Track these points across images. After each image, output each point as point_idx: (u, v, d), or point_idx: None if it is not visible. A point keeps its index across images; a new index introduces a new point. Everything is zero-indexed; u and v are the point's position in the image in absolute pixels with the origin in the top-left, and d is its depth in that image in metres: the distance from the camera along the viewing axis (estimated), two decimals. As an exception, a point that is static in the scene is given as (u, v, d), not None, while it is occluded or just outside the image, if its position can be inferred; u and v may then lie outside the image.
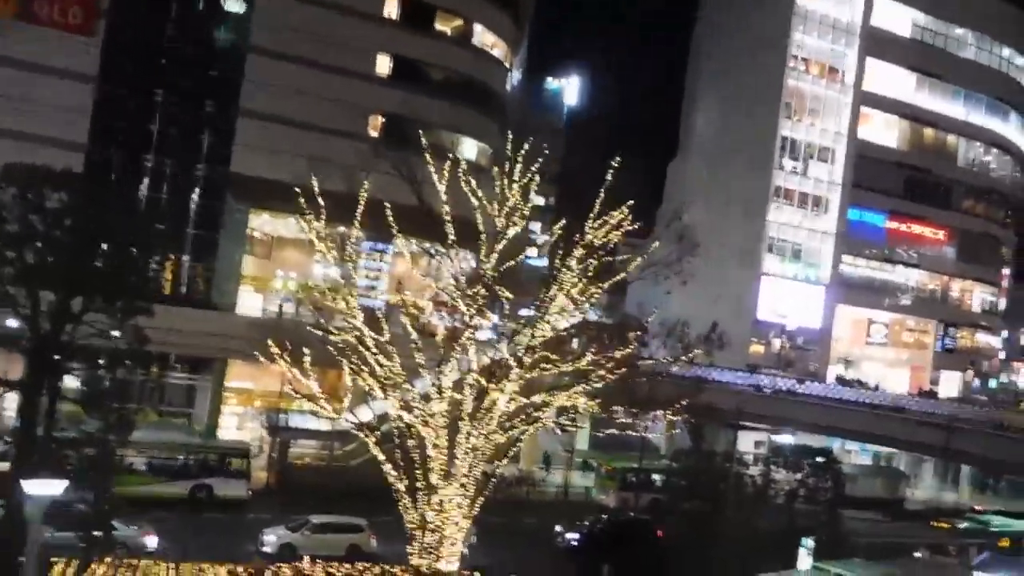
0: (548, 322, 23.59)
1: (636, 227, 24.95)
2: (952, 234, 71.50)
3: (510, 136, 24.77)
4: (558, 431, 38.43)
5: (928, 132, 70.45)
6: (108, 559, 24.05)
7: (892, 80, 67.64)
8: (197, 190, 45.69)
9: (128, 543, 27.10)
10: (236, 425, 46.72)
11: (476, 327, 23.51)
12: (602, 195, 23.99)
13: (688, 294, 61.33)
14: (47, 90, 41.32)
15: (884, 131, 68.46)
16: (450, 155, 24.40)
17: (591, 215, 23.99)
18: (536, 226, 50.07)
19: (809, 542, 31.22)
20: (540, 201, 70.88)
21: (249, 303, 47.41)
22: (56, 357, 20.46)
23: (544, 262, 31.77)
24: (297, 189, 23.80)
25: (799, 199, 65.27)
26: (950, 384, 70.87)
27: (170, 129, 44.97)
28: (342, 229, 24.29)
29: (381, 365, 22.89)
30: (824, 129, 65.99)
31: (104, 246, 22.83)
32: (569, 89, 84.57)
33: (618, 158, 24.51)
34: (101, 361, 22.36)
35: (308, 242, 37.19)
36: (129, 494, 33.37)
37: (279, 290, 47.90)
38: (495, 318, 25.54)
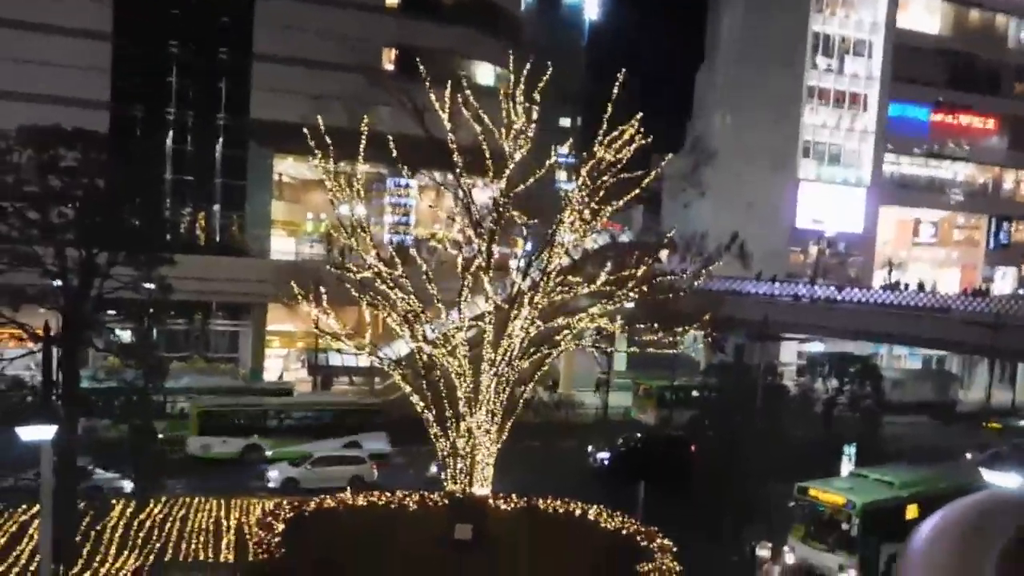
0: (562, 244, 23.44)
1: (648, 141, 24.43)
2: (1003, 122, 68.57)
3: (511, 57, 24.32)
4: (595, 353, 38.80)
5: (974, 14, 67.05)
6: (164, 498, 25.29)
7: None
8: (220, 139, 45.99)
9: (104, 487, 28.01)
10: (281, 367, 47.95)
11: (491, 255, 23.51)
12: (610, 110, 23.50)
13: (723, 206, 60.87)
14: (65, 51, 41.64)
15: (925, 17, 65.36)
16: (455, 81, 24.05)
17: (600, 132, 23.58)
18: (564, 149, 49.49)
19: (851, 449, 31.16)
20: (566, 123, 70.26)
21: (282, 247, 48.11)
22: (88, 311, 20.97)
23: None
24: (305, 129, 23.92)
25: (835, 98, 63.14)
26: (1006, 281, 69.02)
27: (187, 80, 45.13)
28: (351, 166, 24.29)
29: (400, 300, 23.17)
30: (859, 20, 63.26)
31: (122, 200, 23.02)
32: (589, 3, 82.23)
33: (623, 72, 23.87)
34: (128, 313, 22.87)
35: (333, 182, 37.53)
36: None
37: (310, 232, 48.45)
38: (528, 245, 25.46)
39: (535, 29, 61.93)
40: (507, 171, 23.37)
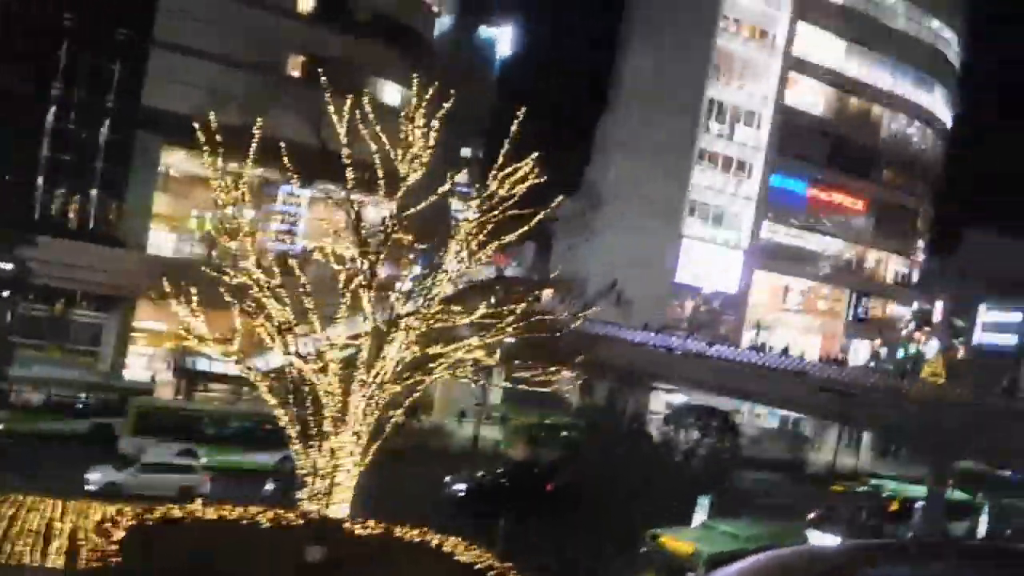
0: (446, 272, 23.53)
1: (542, 180, 24.89)
2: (870, 204, 73.46)
3: (416, 78, 24.44)
4: (472, 384, 38.90)
5: (854, 101, 71.81)
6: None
7: (821, 46, 68.51)
8: (106, 122, 44.05)
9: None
10: (145, 366, 45.84)
11: (374, 274, 23.33)
12: (507, 146, 23.89)
13: (611, 252, 62.48)
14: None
15: (810, 97, 69.56)
16: (357, 95, 23.91)
17: (495, 166, 23.92)
18: (463, 178, 49.75)
19: (705, 500, 32.22)
20: (467, 152, 70.82)
21: (162, 242, 46.29)
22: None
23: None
24: (196, 123, 23.24)
25: (723, 162, 66.18)
26: (860, 352, 73.43)
27: (79, 56, 43.10)
28: (241, 168, 23.70)
29: (275, 310, 22.65)
30: (751, 93, 66.75)
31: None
32: (503, 38, 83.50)
33: (523, 109, 24.35)
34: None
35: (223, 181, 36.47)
36: (26, 431, 32.84)
37: (193, 230, 46.82)
38: (416, 268, 25.37)
39: (447, 56, 62.31)
40: (399, 192, 23.38)
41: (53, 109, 42.96)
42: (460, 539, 26.57)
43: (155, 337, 46.25)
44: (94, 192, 44.46)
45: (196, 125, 23.70)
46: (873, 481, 48.38)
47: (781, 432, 60.52)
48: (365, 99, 24.02)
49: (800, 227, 70.61)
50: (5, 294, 32.25)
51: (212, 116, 23.17)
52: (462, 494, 32.55)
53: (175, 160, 45.79)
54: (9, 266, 22.71)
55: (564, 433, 44.43)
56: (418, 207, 23.93)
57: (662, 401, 54.83)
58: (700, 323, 60.08)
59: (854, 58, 70.54)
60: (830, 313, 73.90)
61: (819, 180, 70.01)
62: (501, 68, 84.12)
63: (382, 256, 23.63)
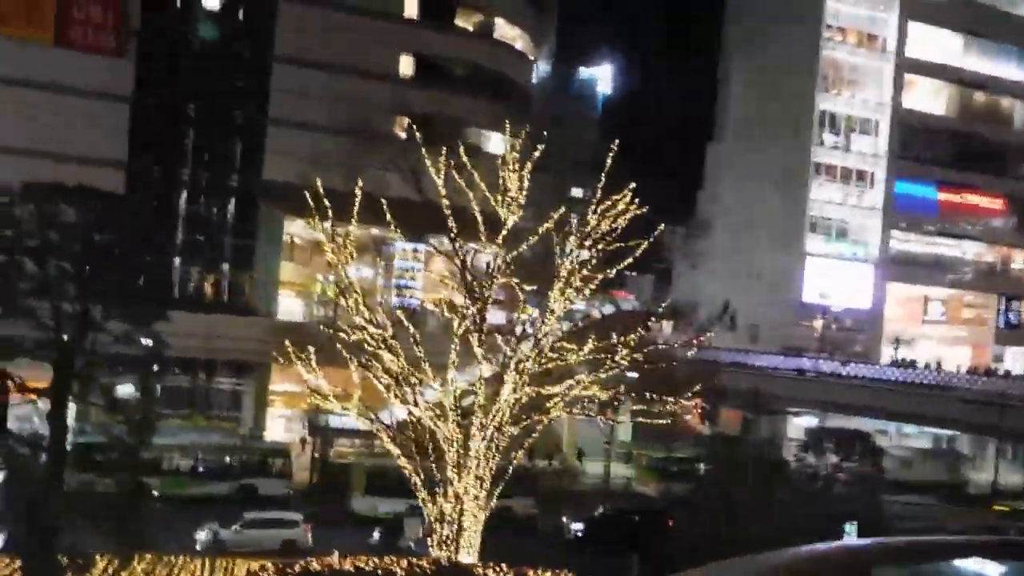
0: (552, 311, 23.61)
1: (643, 210, 24.73)
2: (1010, 202, 68.80)
3: (510, 126, 24.93)
4: (599, 422, 38.62)
5: (978, 96, 67.93)
6: (148, 555, 25.11)
7: (937, 44, 65.38)
8: (232, 199, 46.91)
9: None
10: (284, 427, 47.86)
11: (483, 319, 23.69)
12: (604, 180, 23.95)
13: (731, 278, 61.01)
14: (86, 110, 42.95)
15: (931, 98, 66.31)
16: (465, 150, 24.56)
17: (585, 200, 24.02)
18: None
19: (851, 527, 30.61)
20: (578, 193, 71.11)
21: (291, 308, 48.53)
22: (78, 364, 21.21)
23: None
24: (307, 192, 24.49)
25: (842, 174, 63.72)
26: (1016, 361, 68.28)
27: (204, 141, 46.28)
28: (360, 230, 24.70)
29: (391, 362, 23.31)
30: (865, 100, 64.25)
31: (121, 256, 23.41)
32: (602, 77, 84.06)
33: (620, 143, 24.40)
34: (124, 368, 23.09)
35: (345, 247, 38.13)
36: (178, 494, 34.88)
37: (318, 294, 48.89)
38: (534, 312, 25.57)
39: (548, 100, 63.25)
40: (500, 236, 23.76)
41: (184, 192, 46.12)
42: (593, 580, 26.32)
43: (291, 398, 48.34)
44: (226, 266, 47.24)
45: (306, 193, 25.07)
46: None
47: (934, 452, 56.75)
48: (464, 150, 24.89)
49: (934, 233, 66.85)
50: (155, 368, 34.47)
51: (318, 182, 24.44)
52: (580, 533, 32.24)
53: (297, 228, 48.11)
54: (149, 342, 24.34)
55: (698, 465, 43.29)
56: (518, 250, 24.25)
57: (799, 426, 52.62)
58: (832, 342, 57.57)
59: (973, 51, 66.89)
60: (976, 321, 69.23)
61: (949, 183, 66.24)
62: (604, 106, 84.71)
63: (489, 300, 24.02)
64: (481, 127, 47.38)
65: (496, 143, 49.97)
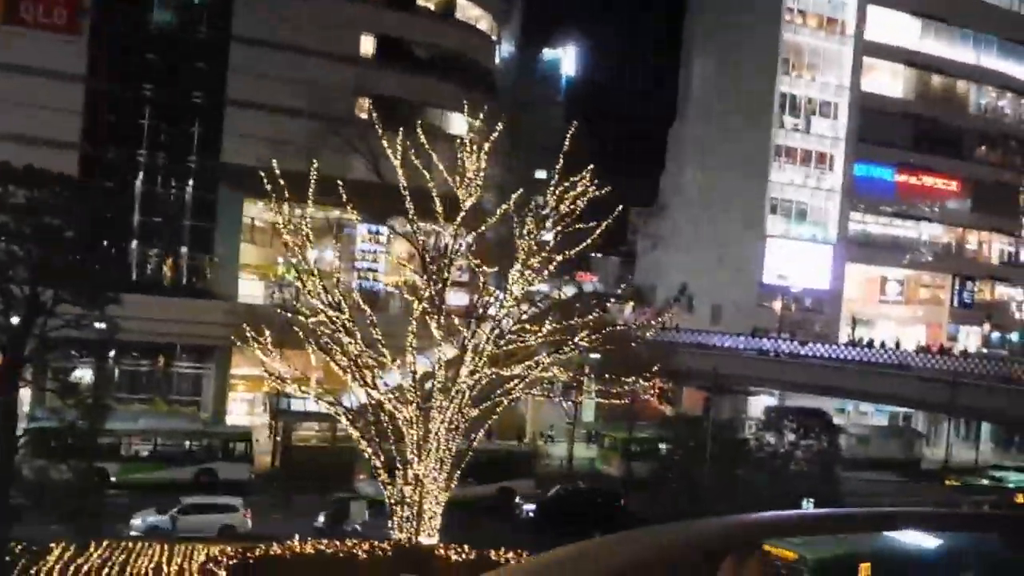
0: (511, 292, 23.66)
1: (601, 192, 24.80)
2: (965, 184, 70.03)
3: (472, 107, 24.85)
4: (562, 403, 38.82)
5: (936, 79, 68.87)
6: (105, 541, 24.84)
7: (896, 27, 66.07)
8: (190, 182, 46.21)
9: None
10: (246, 411, 47.52)
11: (441, 301, 23.67)
12: (562, 161, 24.01)
13: (693, 260, 61.52)
14: (38, 91, 41.92)
15: (889, 81, 67.06)
16: (425, 131, 24.42)
17: (546, 182, 24.09)
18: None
19: (807, 504, 31.15)
20: (542, 174, 71.10)
21: (252, 291, 48.01)
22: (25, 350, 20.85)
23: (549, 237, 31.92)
24: (263, 173, 24.25)
25: (802, 157, 64.32)
26: (969, 340, 69.77)
27: (160, 123, 45.47)
28: (319, 212, 24.53)
29: (349, 345, 23.23)
30: (825, 83, 64.83)
31: (74, 239, 22.96)
32: (567, 59, 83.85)
33: (581, 126, 24.49)
34: (78, 352, 22.73)
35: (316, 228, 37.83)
36: (137, 480, 34.54)
37: (279, 277, 48.38)
38: (496, 294, 25.56)
39: (511, 82, 63.00)
40: (459, 218, 23.73)
41: (141, 174, 45.32)
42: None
43: (253, 382, 47.96)
44: (184, 249, 46.60)
45: (262, 175, 24.80)
46: (996, 474, 45.80)
47: (891, 429, 57.94)
48: (426, 132, 24.76)
49: (891, 215, 67.89)
50: (109, 352, 34.01)
51: (275, 165, 24.21)
52: (532, 514, 32.49)
53: (257, 211, 47.56)
54: (102, 325, 23.99)
55: (661, 446, 43.75)
56: (477, 231, 24.24)
57: (759, 406, 53.37)
58: (792, 323, 58.38)
59: (931, 35, 67.76)
60: (933, 301, 70.57)
61: (907, 165, 67.20)
62: (568, 89, 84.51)
63: (447, 282, 23.99)
64: (443, 109, 47.08)
65: (459, 125, 49.79)
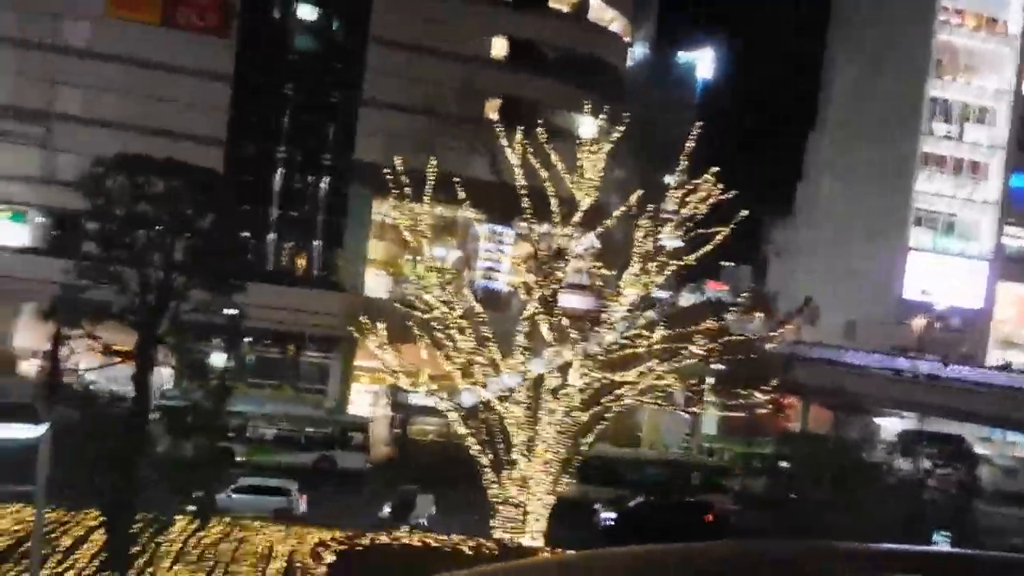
0: (624, 296, 23.21)
1: (727, 196, 23.98)
2: None
3: (596, 109, 24.55)
4: (683, 413, 37.90)
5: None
6: (227, 519, 25.97)
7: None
8: (325, 178, 47.94)
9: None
10: (370, 402, 48.77)
11: (554, 303, 23.48)
12: (685, 163, 23.40)
13: (830, 273, 58.78)
14: (189, 90, 44.57)
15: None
16: (555, 133, 24.35)
17: (672, 186, 23.49)
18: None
19: (940, 538, 29.18)
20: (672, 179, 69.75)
21: (378, 285, 49.31)
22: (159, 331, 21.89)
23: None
24: (386, 172, 24.83)
25: (953, 166, 60.33)
26: None
27: (299, 121, 47.42)
28: (425, 209, 24.81)
29: (461, 341, 23.41)
30: (982, 87, 60.53)
31: (208, 229, 23.92)
32: (702, 62, 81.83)
33: (700, 125, 23.76)
34: (204, 336, 23.68)
35: (436, 226, 38.55)
36: (261, 462, 36.06)
37: (396, 273, 49.51)
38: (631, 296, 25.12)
39: (644, 84, 62.12)
40: (575, 217, 23.48)
41: (279, 170, 47.37)
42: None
43: (376, 374, 49.22)
44: (317, 243, 48.39)
45: (387, 172, 25.37)
46: None
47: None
48: (550, 134, 24.67)
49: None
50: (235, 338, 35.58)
51: (399, 163, 24.74)
52: (611, 523, 31.63)
53: (386, 208, 48.83)
54: (233, 312, 25.02)
55: (781, 463, 42.01)
56: (592, 232, 23.91)
57: (892, 429, 50.38)
58: (934, 342, 54.73)
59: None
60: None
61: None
62: (703, 92, 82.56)
63: (561, 283, 23.78)
64: (571, 111, 46.84)
65: (588, 127, 49.49)
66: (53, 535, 22.41)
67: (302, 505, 30.23)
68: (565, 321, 23.55)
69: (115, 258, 21.79)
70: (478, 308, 23.51)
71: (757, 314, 36.82)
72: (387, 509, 30.66)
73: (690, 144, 24.52)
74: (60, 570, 20.07)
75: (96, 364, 21.44)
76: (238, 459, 35.89)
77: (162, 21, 44.98)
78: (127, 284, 21.76)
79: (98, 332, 21.13)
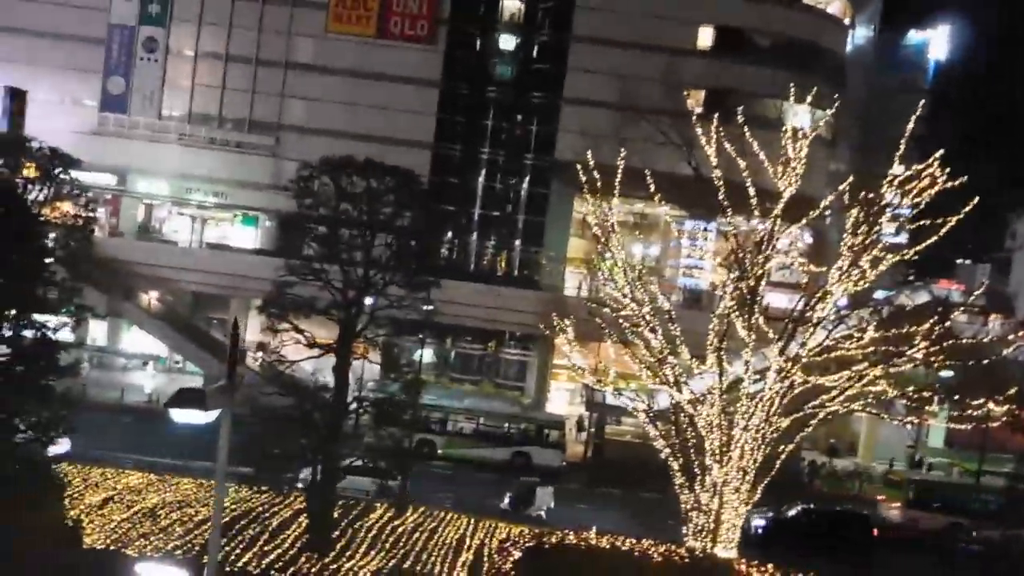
0: (830, 294, 21.40)
1: (955, 184, 21.51)
2: None
3: (812, 98, 22.87)
4: (907, 424, 34.68)
5: None
6: (422, 508, 26.75)
7: None
8: (526, 178, 48.51)
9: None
10: (568, 400, 48.81)
11: (752, 300, 22.08)
12: (902, 146, 21.23)
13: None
14: (398, 97, 46.73)
15: None
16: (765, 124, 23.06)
17: (889, 173, 21.43)
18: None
19: None
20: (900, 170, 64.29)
21: (577, 284, 49.23)
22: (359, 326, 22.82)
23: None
24: (579, 167, 24.52)
25: None
26: None
27: (502, 123, 48.30)
28: (655, 208, 24.23)
29: (653, 340, 22.63)
30: None
31: (409, 229, 24.62)
32: (935, 42, 74.49)
33: (922, 104, 21.45)
34: (399, 330, 24.45)
35: (638, 224, 37.76)
36: (458, 455, 37.01)
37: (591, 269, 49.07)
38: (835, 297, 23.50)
39: (867, 69, 57.66)
40: (778, 208, 21.96)
41: (483, 171, 48.49)
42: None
43: (575, 373, 49.13)
44: (517, 242, 49.07)
45: (579, 168, 25.06)
46: None
47: None
48: (760, 125, 23.34)
49: None
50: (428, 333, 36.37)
51: (590, 160, 24.38)
52: (761, 530, 29.58)
53: (587, 207, 48.61)
54: (429, 308, 25.75)
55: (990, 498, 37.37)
56: (796, 225, 22.25)
57: None
58: None
59: None
60: None
61: None
62: (936, 75, 75.36)
63: (762, 279, 22.34)
64: (784, 99, 44.31)
65: (799, 116, 46.55)
66: (265, 515, 24.08)
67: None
68: (759, 320, 22.06)
69: (320, 256, 23.02)
70: (666, 306, 22.56)
71: (994, 316, 32.97)
72: (506, 500, 30.45)
73: (914, 129, 22.28)
74: (268, 548, 21.41)
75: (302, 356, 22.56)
76: (439, 451, 37.09)
77: (376, 34, 47.36)
78: (331, 281, 22.90)
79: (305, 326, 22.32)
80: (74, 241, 20.90)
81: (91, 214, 25.99)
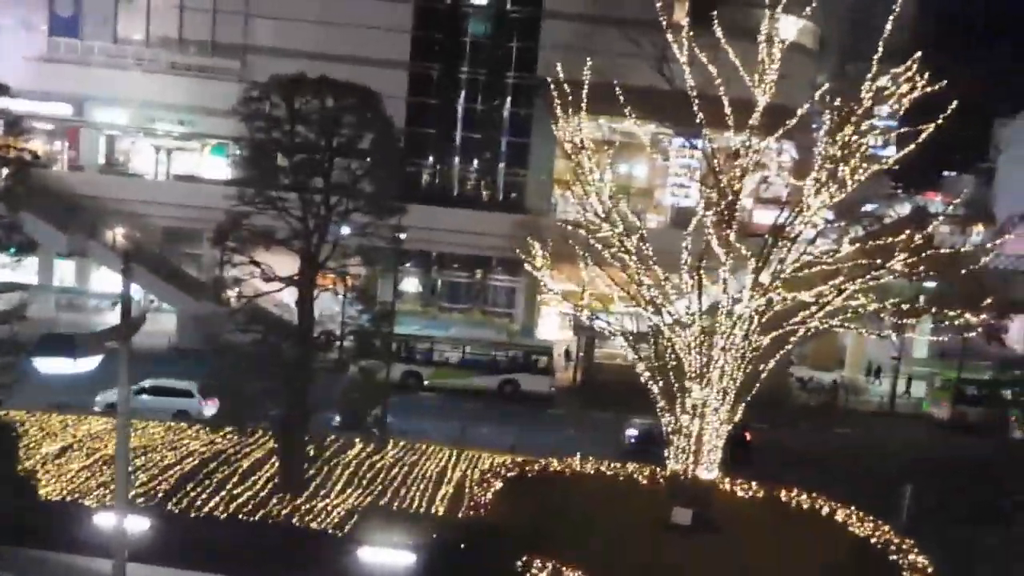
0: (807, 207, 20.49)
1: (936, 87, 20.34)
2: None
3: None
4: (892, 336, 34.21)
5: None
6: (402, 442, 26.35)
7: None
8: (508, 98, 46.95)
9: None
10: (559, 325, 48.27)
11: (731, 216, 21.17)
12: (880, 49, 20.00)
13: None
14: (369, 13, 44.76)
15: None
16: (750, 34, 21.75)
17: (867, 78, 20.25)
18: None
19: None
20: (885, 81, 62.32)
21: (566, 206, 48.13)
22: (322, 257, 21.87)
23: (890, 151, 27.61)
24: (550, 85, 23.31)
25: None
26: None
27: (481, 39, 46.49)
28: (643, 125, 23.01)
29: (630, 261, 21.85)
30: None
31: (370, 151, 23.42)
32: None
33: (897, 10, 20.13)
34: (365, 259, 23.50)
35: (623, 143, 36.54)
36: (446, 385, 36.58)
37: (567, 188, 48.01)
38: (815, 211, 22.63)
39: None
40: (753, 119, 20.88)
41: (462, 92, 46.87)
42: (855, 508, 23.41)
43: (564, 297, 48.48)
44: (501, 165, 47.79)
45: (549, 84, 23.86)
46: None
47: None
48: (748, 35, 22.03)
49: None
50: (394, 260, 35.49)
51: (561, 76, 23.19)
52: (633, 440, 30.17)
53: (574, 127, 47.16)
54: (402, 234, 24.81)
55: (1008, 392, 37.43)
56: (776, 135, 21.16)
57: None
58: None
59: None
60: None
61: None
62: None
63: (739, 194, 21.39)
64: (770, 8, 42.44)
65: (787, 27, 44.54)
66: (234, 457, 23.59)
67: (206, 409, 28.34)
68: (739, 236, 21.22)
69: (273, 183, 21.81)
70: (638, 224, 21.69)
71: (975, 226, 32.09)
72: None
73: (893, 30, 20.98)
74: (238, 491, 20.91)
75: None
76: (426, 382, 36.67)
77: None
78: (287, 209, 21.76)
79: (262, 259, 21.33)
80: (9, 175, 19.74)
81: (26, 145, 24.46)
